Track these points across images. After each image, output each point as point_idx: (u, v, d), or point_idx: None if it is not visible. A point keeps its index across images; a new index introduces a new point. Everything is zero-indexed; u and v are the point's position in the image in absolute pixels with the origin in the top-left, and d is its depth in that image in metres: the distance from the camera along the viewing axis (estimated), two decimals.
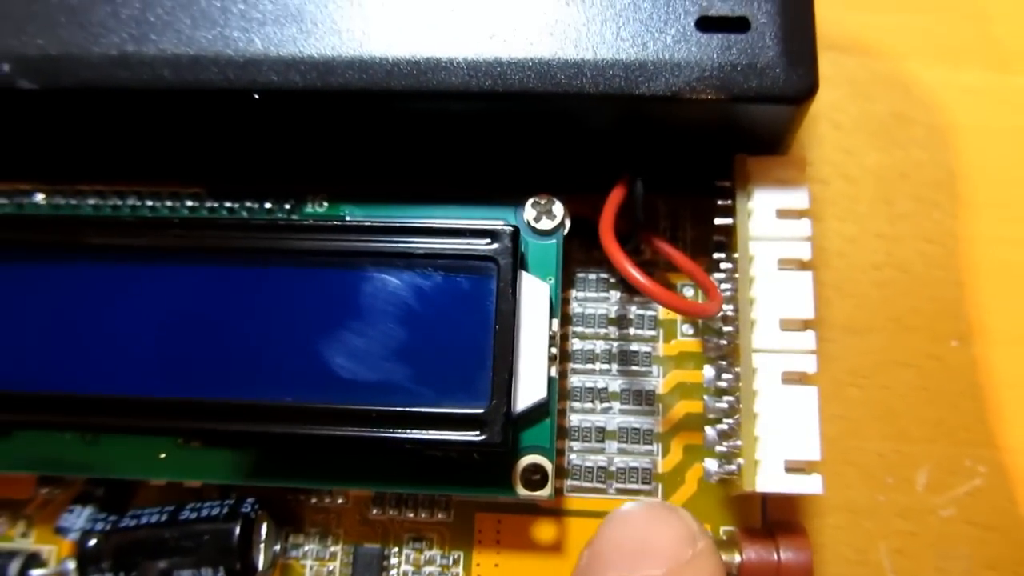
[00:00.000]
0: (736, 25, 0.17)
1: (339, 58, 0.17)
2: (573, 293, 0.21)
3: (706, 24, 0.17)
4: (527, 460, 0.18)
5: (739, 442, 0.18)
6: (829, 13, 0.25)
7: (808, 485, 0.17)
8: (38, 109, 0.18)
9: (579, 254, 0.21)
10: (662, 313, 0.21)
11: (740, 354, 0.18)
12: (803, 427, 0.17)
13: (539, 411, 0.18)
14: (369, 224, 0.19)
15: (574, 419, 0.20)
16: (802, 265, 0.18)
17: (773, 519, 0.20)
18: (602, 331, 0.21)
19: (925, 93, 0.24)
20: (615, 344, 0.21)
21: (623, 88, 0.17)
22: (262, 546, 0.19)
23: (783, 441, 0.17)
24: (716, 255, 0.20)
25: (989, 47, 0.24)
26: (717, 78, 0.17)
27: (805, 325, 0.18)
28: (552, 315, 0.19)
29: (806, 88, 0.17)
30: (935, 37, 0.24)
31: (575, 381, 0.20)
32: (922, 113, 0.24)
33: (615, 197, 0.19)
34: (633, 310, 0.21)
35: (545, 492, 0.18)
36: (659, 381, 0.20)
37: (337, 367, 0.18)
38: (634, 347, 0.21)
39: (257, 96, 0.17)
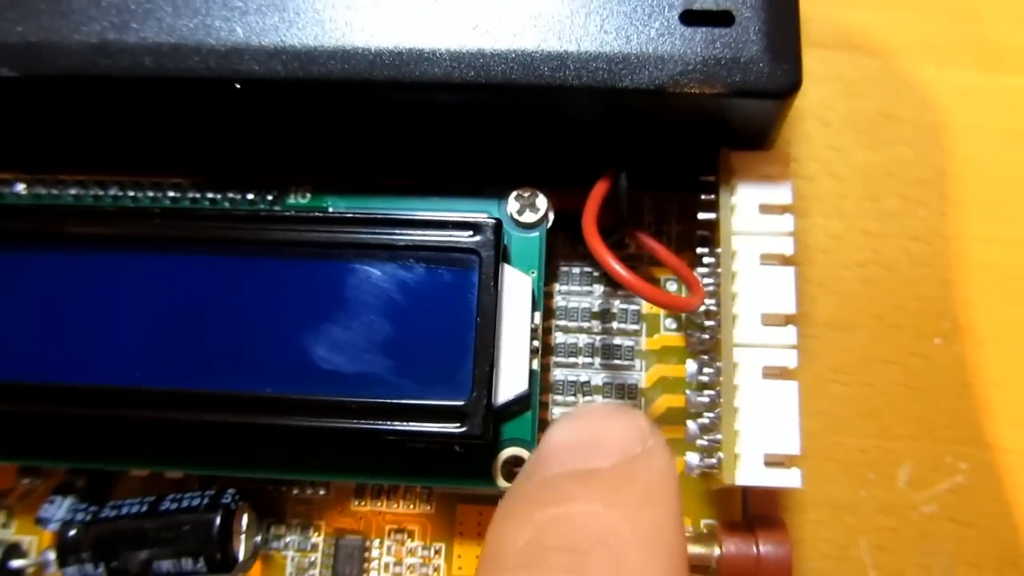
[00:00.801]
0: (720, 19, 0.17)
1: (321, 48, 0.17)
2: (557, 287, 0.21)
3: (690, 18, 0.17)
4: (508, 452, 0.18)
5: (720, 436, 0.18)
6: (818, 10, 0.25)
7: (787, 479, 0.17)
8: (18, 97, 0.18)
9: (564, 248, 0.21)
10: (645, 307, 0.21)
11: (722, 348, 0.18)
12: (783, 421, 0.17)
13: (521, 404, 0.18)
14: (351, 216, 0.19)
15: (557, 412, 0.20)
16: (784, 260, 0.18)
17: (754, 513, 0.20)
18: (586, 325, 0.21)
19: (914, 92, 0.24)
20: (598, 338, 0.21)
21: (606, 81, 0.17)
22: (243, 537, 0.19)
23: (763, 435, 0.17)
24: (700, 250, 0.20)
25: (979, 47, 0.24)
26: (701, 72, 0.17)
27: (787, 320, 0.18)
28: (534, 308, 0.19)
29: (790, 83, 0.17)
30: (925, 36, 0.24)
31: (558, 374, 0.20)
32: (910, 112, 0.24)
33: (599, 191, 0.19)
34: (616, 304, 0.21)
35: None
36: (642, 375, 0.20)
37: (319, 358, 0.18)
38: (617, 341, 0.21)
39: (239, 85, 0.17)
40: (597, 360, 0.20)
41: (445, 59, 0.17)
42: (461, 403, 0.17)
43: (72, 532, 0.19)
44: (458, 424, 0.17)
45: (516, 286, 0.19)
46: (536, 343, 0.19)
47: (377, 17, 0.17)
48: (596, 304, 0.21)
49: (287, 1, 0.18)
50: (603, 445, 0.15)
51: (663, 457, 0.15)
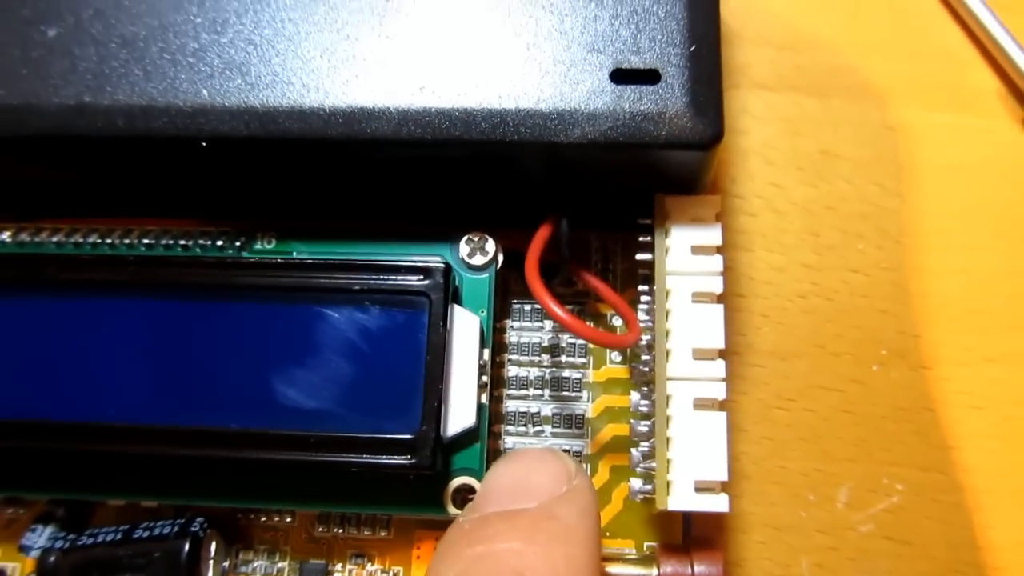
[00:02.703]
0: (647, 77, 0.18)
1: (280, 108, 0.19)
2: (509, 323, 0.22)
3: (620, 76, 0.19)
4: (458, 481, 0.20)
5: (655, 463, 0.19)
6: (762, 53, 0.26)
7: (716, 504, 0.18)
8: (1, 154, 0.20)
9: (516, 285, 0.22)
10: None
11: (656, 381, 0.19)
12: (713, 450, 0.19)
13: (469, 436, 0.20)
14: (312, 262, 0.20)
15: (509, 441, 0.21)
16: (715, 298, 0.20)
17: (697, 535, 0.21)
18: (536, 359, 0.22)
19: (852, 130, 0.25)
20: (548, 371, 0.22)
21: (543, 136, 0.18)
22: (211, 562, 0.20)
23: (693, 463, 0.18)
24: (641, 287, 0.21)
25: (914, 86, 0.25)
26: (629, 127, 0.18)
27: (718, 354, 0.19)
28: (483, 345, 0.20)
29: (712, 135, 0.18)
30: (862, 76, 0.26)
31: (510, 406, 0.22)
32: (849, 149, 0.25)
33: (541, 236, 0.20)
34: (565, 339, 0.22)
35: None
36: (588, 406, 0.22)
37: (280, 395, 0.19)
38: (566, 373, 0.22)
39: (204, 144, 0.19)
40: (547, 392, 0.22)
41: (394, 118, 0.18)
42: (411, 436, 0.19)
43: (52, 559, 0.20)
44: (408, 456, 0.18)
45: (465, 325, 0.20)
46: (485, 378, 0.20)
47: (331, 79, 0.19)
48: (546, 339, 0.22)
49: (249, 65, 0.19)
50: (532, 486, 0.17)
51: (585, 496, 0.17)
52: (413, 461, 0.18)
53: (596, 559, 0.16)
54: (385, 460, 0.19)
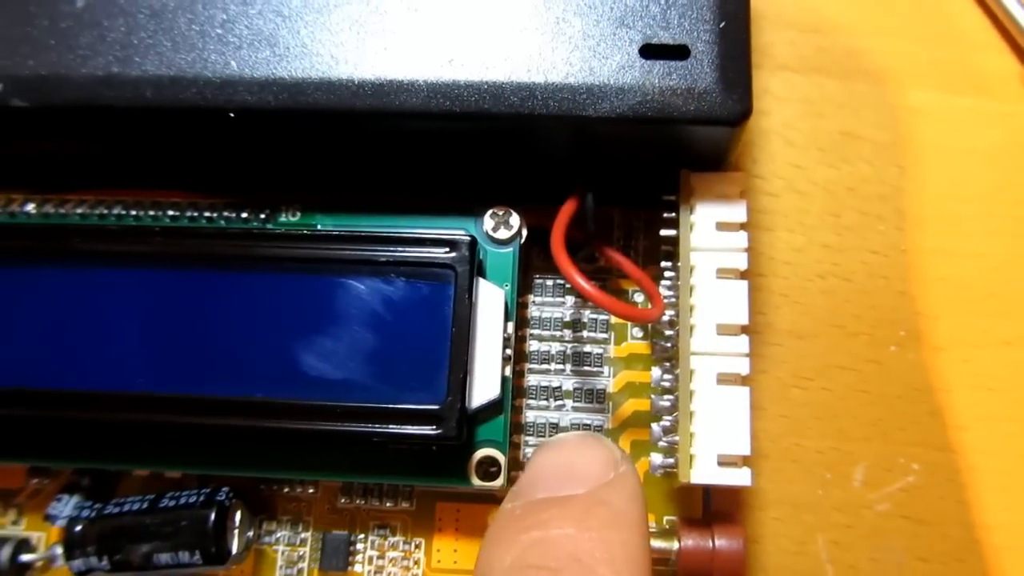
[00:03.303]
0: (677, 53, 0.19)
1: (309, 80, 0.19)
2: (532, 298, 0.22)
3: (649, 51, 0.19)
4: (482, 453, 0.20)
5: (678, 437, 0.19)
6: (783, 35, 0.26)
7: (738, 478, 0.19)
8: (29, 125, 0.20)
9: (539, 261, 0.22)
10: (613, 317, 0.22)
11: (680, 356, 0.19)
12: (735, 424, 0.19)
13: (493, 408, 0.20)
14: (337, 233, 0.20)
15: (530, 415, 0.22)
16: (739, 274, 0.20)
17: (715, 510, 0.21)
18: (558, 333, 0.22)
19: (873, 112, 0.25)
20: (569, 346, 0.22)
21: (571, 110, 0.18)
22: (236, 532, 0.20)
23: (716, 437, 0.19)
24: (664, 264, 0.21)
25: (935, 69, 0.25)
26: (658, 102, 0.18)
27: (741, 330, 0.19)
28: (507, 319, 0.20)
29: (741, 111, 0.18)
30: (884, 59, 0.26)
31: (532, 380, 0.22)
32: (870, 131, 0.25)
33: (566, 210, 0.20)
34: (587, 314, 0.22)
35: (499, 483, 0.20)
36: (610, 381, 0.22)
37: (307, 366, 0.19)
38: (587, 349, 0.22)
39: (233, 115, 0.19)
40: (568, 367, 0.22)
41: (423, 90, 0.19)
42: (437, 407, 0.19)
43: (78, 528, 0.20)
44: (434, 426, 0.19)
45: (490, 298, 0.20)
46: (509, 351, 0.20)
47: (360, 51, 0.19)
48: (568, 314, 0.22)
49: (277, 37, 0.19)
50: (580, 473, 0.17)
51: (633, 482, 0.17)
52: (439, 432, 0.19)
53: (647, 545, 0.16)
54: (411, 430, 0.19)
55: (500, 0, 0.19)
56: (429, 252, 0.20)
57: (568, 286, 0.22)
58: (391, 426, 0.19)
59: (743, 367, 0.19)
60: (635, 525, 0.16)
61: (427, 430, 0.19)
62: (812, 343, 0.24)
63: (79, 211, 0.22)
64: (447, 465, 0.20)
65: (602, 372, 0.22)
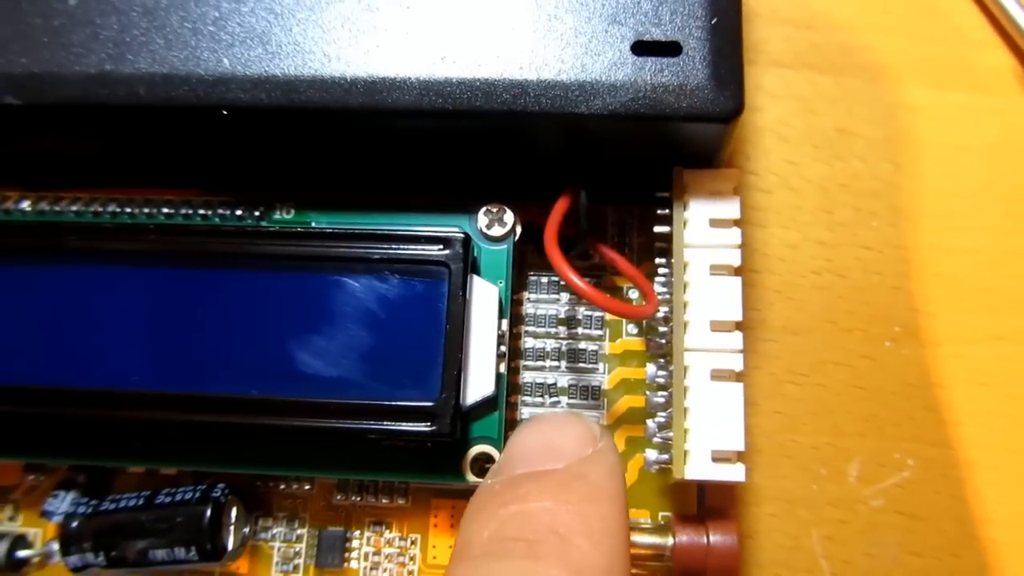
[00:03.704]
0: (669, 49, 0.19)
1: (301, 77, 0.19)
2: (526, 295, 0.22)
3: (641, 48, 0.19)
4: (477, 450, 0.20)
5: (672, 434, 0.19)
6: (777, 31, 0.26)
7: (732, 473, 0.19)
8: (22, 123, 0.20)
9: (533, 258, 0.22)
10: (608, 314, 0.22)
11: (674, 353, 0.20)
12: (729, 420, 0.19)
13: (488, 405, 0.20)
14: (331, 231, 0.20)
15: (525, 412, 0.22)
16: (733, 271, 0.20)
17: (710, 506, 0.21)
18: (552, 330, 0.22)
19: (866, 108, 0.25)
20: (564, 343, 0.22)
21: (563, 107, 0.18)
22: (232, 528, 0.20)
23: (710, 433, 0.19)
24: (658, 260, 0.21)
25: (928, 65, 0.26)
26: (650, 99, 0.18)
27: (735, 326, 0.20)
28: (502, 316, 0.20)
29: (733, 108, 0.18)
30: (877, 55, 0.26)
31: (526, 377, 0.22)
32: (863, 127, 0.25)
33: (559, 207, 0.20)
34: (581, 311, 0.22)
35: None
36: (605, 377, 0.22)
37: (301, 363, 0.20)
38: (582, 345, 0.22)
39: (225, 112, 0.19)
40: (563, 363, 0.22)
41: (415, 87, 0.19)
42: (431, 404, 0.19)
43: (74, 524, 0.20)
44: (428, 423, 0.19)
45: (484, 295, 0.20)
46: (503, 348, 0.20)
47: (352, 49, 0.19)
48: (562, 311, 0.22)
49: (270, 34, 0.19)
50: (558, 448, 0.17)
51: (611, 457, 0.17)
52: (433, 428, 0.19)
53: (626, 519, 0.16)
54: (405, 427, 0.19)
55: None
56: (423, 249, 0.20)
57: (562, 283, 0.22)
58: (385, 423, 0.19)
59: (737, 363, 0.19)
60: (613, 499, 0.16)
61: (421, 427, 0.19)
62: (806, 339, 0.24)
63: (73, 209, 0.22)
64: (442, 462, 0.20)
65: (597, 369, 0.22)
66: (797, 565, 0.22)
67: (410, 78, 0.19)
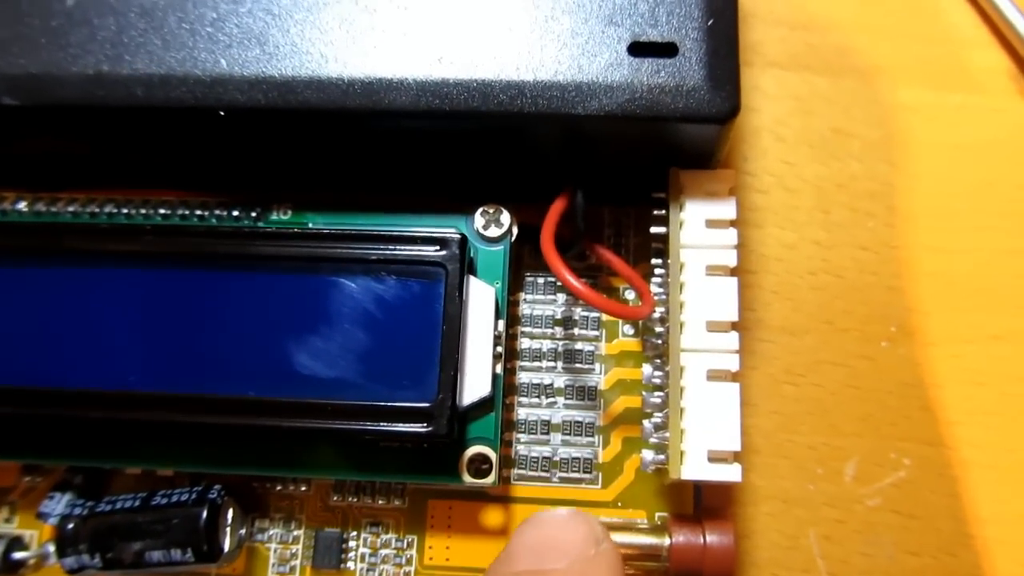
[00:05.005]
0: (665, 50, 0.19)
1: (299, 78, 0.19)
2: (523, 295, 0.22)
3: (637, 49, 0.19)
4: (473, 450, 0.20)
5: (668, 434, 0.19)
6: (774, 32, 0.26)
7: (728, 474, 0.19)
8: (19, 124, 0.20)
9: (530, 259, 0.22)
10: (604, 315, 0.22)
11: (670, 353, 0.20)
12: (726, 421, 0.19)
13: (484, 405, 0.20)
14: (328, 232, 0.20)
15: (521, 413, 0.22)
16: (729, 271, 0.20)
17: (707, 506, 0.21)
18: (549, 331, 0.22)
19: (863, 109, 0.25)
20: (561, 343, 0.22)
21: (560, 108, 0.18)
22: (228, 529, 0.20)
23: (706, 433, 0.19)
24: (655, 261, 0.21)
25: (924, 66, 0.26)
26: (647, 99, 0.18)
27: (731, 327, 0.20)
28: (498, 316, 0.20)
29: (729, 108, 0.18)
30: (873, 56, 0.26)
31: (523, 377, 0.22)
32: (860, 128, 0.25)
33: (556, 208, 0.20)
34: (578, 312, 0.22)
35: (490, 480, 0.20)
36: (601, 378, 0.22)
37: (298, 364, 0.20)
38: (578, 346, 0.22)
39: (223, 113, 0.19)
40: (559, 364, 0.22)
41: (412, 88, 0.19)
42: (427, 405, 0.19)
43: (70, 526, 0.20)
44: (425, 424, 0.19)
45: (481, 296, 0.20)
46: (499, 349, 0.20)
47: (350, 50, 0.19)
48: (559, 312, 0.22)
49: (267, 35, 0.19)
50: (561, 547, 0.17)
51: (613, 560, 0.17)
52: (430, 429, 0.19)
53: None
54: (402, 428, 0.19)
55: None
56: (420, 250, 0.20)
57: (559, 284, 0.22)
58: (382, 424, 0.19)
59: (733, 364, 0.19)
60: None
61: (418, 428, 0.19)
62: (803, 339, 0.24)
63: (70, 209, 0.22)
64: (439, 462, 0.20)
65: (593, 369, 0.22)
66: (794, 565, 0.22)
67: (407, 79, 0.19)
